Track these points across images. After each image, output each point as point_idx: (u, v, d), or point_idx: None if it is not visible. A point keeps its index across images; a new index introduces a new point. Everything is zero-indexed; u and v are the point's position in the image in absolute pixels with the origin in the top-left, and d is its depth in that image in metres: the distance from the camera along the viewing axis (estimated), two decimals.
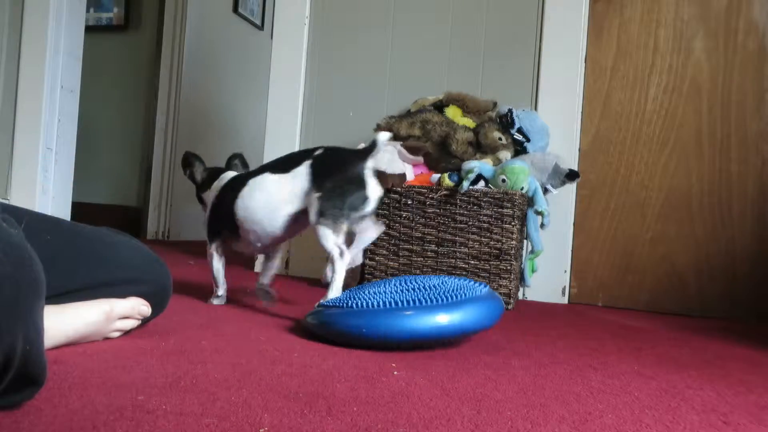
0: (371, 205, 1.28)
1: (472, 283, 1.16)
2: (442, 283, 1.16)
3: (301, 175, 1.29)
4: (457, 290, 1.10)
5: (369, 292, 1.15)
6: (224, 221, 1.38)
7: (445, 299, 1.06)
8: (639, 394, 0.90)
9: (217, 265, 1.43)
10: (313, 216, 1.25)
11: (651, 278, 1.94)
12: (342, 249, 1.26)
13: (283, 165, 1.35)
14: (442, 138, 1.82)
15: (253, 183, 1.34)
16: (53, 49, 2.55)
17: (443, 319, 1.03)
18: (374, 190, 1.28)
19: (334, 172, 1.27)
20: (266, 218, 1.31)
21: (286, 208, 1.30)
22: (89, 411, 0.66)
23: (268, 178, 1.33)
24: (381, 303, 1.07)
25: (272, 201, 1.31)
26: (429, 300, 1.06)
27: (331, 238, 1.25)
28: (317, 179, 1.27)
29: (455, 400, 0.80)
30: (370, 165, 1.28)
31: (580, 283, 1.99)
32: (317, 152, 1.31)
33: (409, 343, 1.06)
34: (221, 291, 1.45)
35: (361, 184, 1.26)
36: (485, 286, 1.15)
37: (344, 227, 1.26)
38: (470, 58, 2.10)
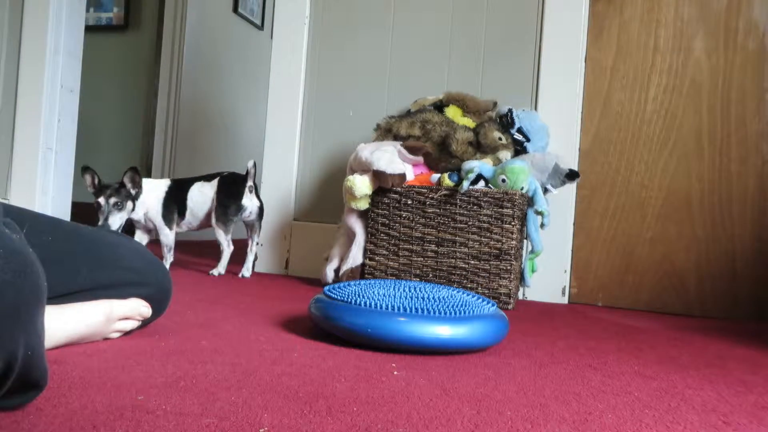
0: (247, 211, 1.99)
1: (481, 300, 1.20)
2: (451, 296, 1.19)
3: (214, 186, 2.01)
4: (464, 305, 1.12)
5: (378, 293, 1.16)
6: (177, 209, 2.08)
7: (452, 313, 1.08)
8: (639, 394, 0.90)
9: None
10: (212, 218, 2.00)
11: (651, 278, 1.94)
12: (229, 242, 2.00)
13: (207, 177, 2.06)
14: (442, 138, 1.82)
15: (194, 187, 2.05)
16: (53, 49, 2.55)
17: (448, 331, 1.05)
18: (249, 202, 1.99)
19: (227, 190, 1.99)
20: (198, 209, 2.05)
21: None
22: (89, 411, 0.66)
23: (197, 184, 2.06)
24: (390, 306, 1.08)
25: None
26: (436, 311, 1.08)
27: (222, 235, 1.99)
28: (218, 193, 1.99)
29: (455, 400, 0.80)
30: (249, 184, 1.97)
31: (580, 283, 1.99)
32: (224, 173, 2.03)
33: (410, 349, 1.06)
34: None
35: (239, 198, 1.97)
36: (493, 305, 1.18)
37: (230, 227, 1.98)
38: (470, 58, 2.11)
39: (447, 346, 1.05)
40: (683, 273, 1.92)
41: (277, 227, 2.25)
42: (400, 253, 1.77)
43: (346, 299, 1.12)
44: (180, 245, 3.07)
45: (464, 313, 1.09)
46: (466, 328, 1.06)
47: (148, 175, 3.42)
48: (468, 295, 1.24)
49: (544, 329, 1.43)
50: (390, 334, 1.04)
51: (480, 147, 1.82)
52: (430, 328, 1.04)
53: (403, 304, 1.09)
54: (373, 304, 1.09)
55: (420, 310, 1.08)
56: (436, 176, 1.77)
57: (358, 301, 1.10)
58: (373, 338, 1.05)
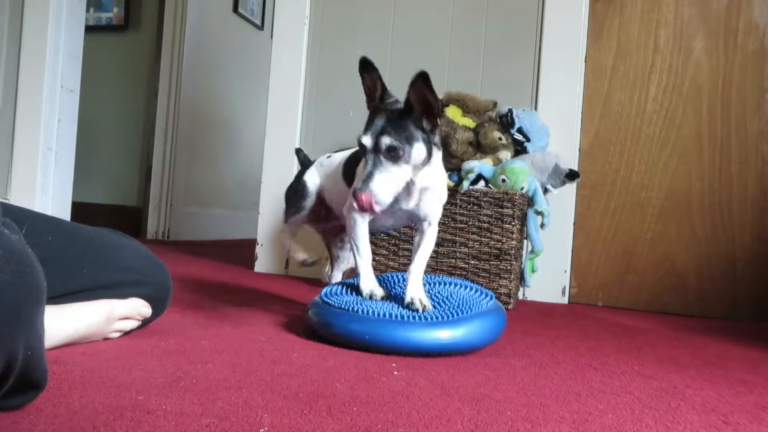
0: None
1: (479, 295, 1.18)
2: (450, 296, 1.17)
3: None
4: (462, 306, 1.11)
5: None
6: None
7: (449, 316, 1.07)
8: (639, 394, 0.90)
9: None
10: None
11: (651, 278, 1.94)
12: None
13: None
14: (442, 138, 1.82)
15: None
16: (53, 49, 2.55)
17: (446, 335, 1.04)
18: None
19: None
20: None
21: None
22: (89, 411, 0.66)
23: None
24: (386, 314, 1.07)
25: None
26: (433, 317, 1.07)
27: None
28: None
29: (455, 400, 0.80)
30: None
31: (580, 283, 1.99)
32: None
33: (409, 354, 1.06)
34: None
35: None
36: (492, 298, 1.17)
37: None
38: (470, 58, 2.10)
39: (445, 350, 1.05)
40: (683, 273, 1.92)
41: (277, 227, 2.25)
42: (400, 253, 1.77)
43: (343, 306, 1.11)
44: (182, 245, 3.07)
45: (461, 314, 1.08)
46: (464, 329, 1.05)
47: (149, 175, 3.41)
48: (465, 288, 1.22)
49: (544, 329, 1.43)
50: (388, 340, 1.03)
51: (480, 147, 1.82)
52: (427, 333, 1.03)
53: (400, 312, 1.08)
54: (370, 311, 1.08)
55: (417, 315, 1.07)
56: None
57: (355, 309, 1.09)
58: (370, 345, 1.04)
